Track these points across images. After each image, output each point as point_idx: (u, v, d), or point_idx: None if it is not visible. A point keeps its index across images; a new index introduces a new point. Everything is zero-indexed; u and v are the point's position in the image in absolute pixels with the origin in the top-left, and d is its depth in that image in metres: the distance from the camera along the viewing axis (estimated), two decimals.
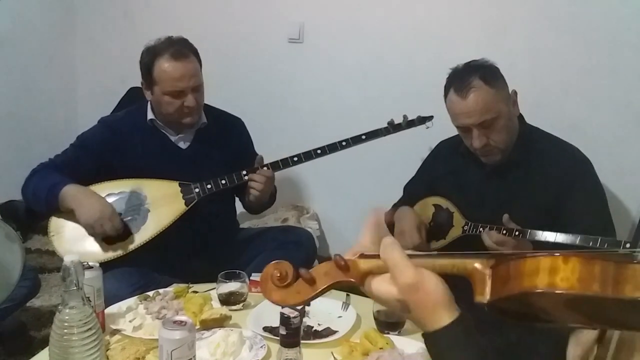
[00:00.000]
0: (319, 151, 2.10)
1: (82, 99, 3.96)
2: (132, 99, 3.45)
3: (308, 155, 2.09)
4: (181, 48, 2.02)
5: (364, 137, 2.16)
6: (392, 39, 2.73)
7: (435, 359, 0.74)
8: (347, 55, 2.88)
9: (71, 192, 1.92)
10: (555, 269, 0.62)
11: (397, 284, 0.73)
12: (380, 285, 0.76)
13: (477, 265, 0.70)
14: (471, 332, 0.71)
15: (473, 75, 1.77)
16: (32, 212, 3.33)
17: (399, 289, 0.73)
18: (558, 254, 0.62)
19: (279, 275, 0.79)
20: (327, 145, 2.11)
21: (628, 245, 1.57)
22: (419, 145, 2.71)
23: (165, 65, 1.98)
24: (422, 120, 2.30)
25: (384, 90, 2.77)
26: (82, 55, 3.92)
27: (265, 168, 2.07)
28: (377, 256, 0.76)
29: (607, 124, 2.28)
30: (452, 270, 0.73)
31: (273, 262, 0.81)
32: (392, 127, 2.22)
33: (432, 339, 0.73)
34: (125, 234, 1.96)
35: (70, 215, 1.95)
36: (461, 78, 1.79)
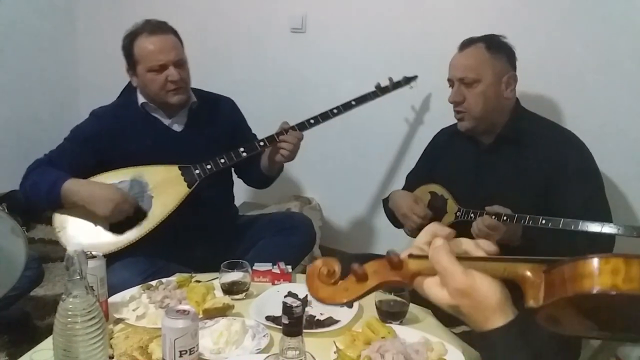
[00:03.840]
0: (312, 121, 2.13)
1: (83, 90, 3.96)
2: (133, 91, 3.46)
3: (302, 126, 2.11)
4: (158, 24, 2.04)
5: (353, 102, 2.22)
6: (395, 29, 2.72)
7: (490, 356, 0.73)
8: (349, 45, 2.87)
9: (74, 188, 1.91)
10: (599, 270, 0.62)
11: (447, 289, 0.71)
12: (431, 289, 0.74)
13: (529, 270, 0.68)
14: (525, 334, 0.70)
15: (480, 40, 1.85)
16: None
17: (449, 293, 0.71)
18: (600, 256, 0.63)
19: (326, 272, 0.76)
20: (320, 115, 2.14)
21: (607, 228, 1.60)
22: (423, 138, 2.71)
23: (144, 42, 2.00)
24: (407, 80, 2.35)
25: (386, 79, 2.76)
26: (83, 48, 3.92)
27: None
28: (427, 257, 0.74)
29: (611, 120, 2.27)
30: (502, 274, 0.71)
31: (321, 258, 0.77)
32: (380, 90, 2.26)
33: (483, 339, 0.71)
34: (133, 220, 1.96)
35: (73, 209, 1.95)
36: (470, 39, 1.88)
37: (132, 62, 2.04)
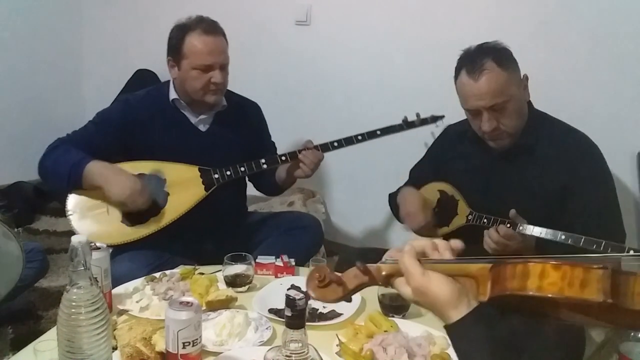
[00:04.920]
0: (335, 144, 2.15)
1: (88, 81, 3.96)
2: (139, 81, 3.46)
3: (325, 147, 2.13)
4: (213, 24, 2.04)
5: (379, 132, 2.23)
6: (399, 21, 2.71)
7: (454, 347, 0.87)
8: (354, 37, 2.86)
9: (97, 169, 1.90)
10: (527, 273, 0.74)
11: (410, 287, 0.88)
12: (400, 286, 0.91)
13: (478, 269, 0.82)
14: (481, 324, 0.83)
15: (485, 57, 1.72)
16: (41, 193, 3.39)
17: (412, 291, 0.88)
18: (532, 261, 0.75)
19: (318, 276, 0.97)
20: (344, 139, 2.16)
21: (632, 252, 1.54)
22: (424, 130, 2.71)
23: (196, 40, 1.99)
24: (434, 119, 2.39)
25: (391, 72, 2.75)
26: (89, 38, 3.92)
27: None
28: (397, 262, 0.91)
29: (614, 113, 2.26)
30: (457, 273, 0.86)
31: (316, 266, 1.00)
32: (406, 124, 2.27)
33: (447, 331, 0.87)
34: (147, 215, 1.96)
35: (90, 193, 1.94)
36: (473, 60, 1.74)
37: (177, 56, 2.03)
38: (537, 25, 2.36)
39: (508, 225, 1.69)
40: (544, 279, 0.72)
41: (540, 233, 1.66)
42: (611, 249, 1.56)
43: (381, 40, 2.78)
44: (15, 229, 1.83)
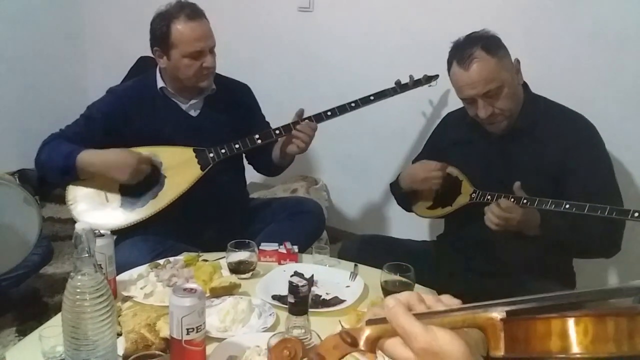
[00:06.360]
0: (328, 113, 2.12)
1: (92, 68, 3.96)
2: (142, 69, 3.45)
3: (318, 117, 2.10)
4: (195, 8, 2.02)
5: (372, 97, 2.19)
6: (402, 7, 2.69)
7: None
8: (357, 23, 2.84)
9: (89, 159, 1.93)
10: (567, 332, 0.60)
11: (412, 350, 0.70)
12: (396, 349, 0.71)
13: (488, 319, 0.67)
14: None
15: (474, 46, 1.77)
16: (45, 181, 3.40)
17: (415, 354, 0.69)
18: (569, 315, 0.60)
19: (288, 354, 0.77)
20: (337, 107, 2.13)
21: (637, 214, 1.57)
22: (428, 118, 2.70)
23: (183, 27, 1.97)
24: (428, 79, 2.31)
25: (394, 57, 2.74)
26: (92, 25, 3.90)
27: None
28: (384, 319, 0.73)
29: (614, 101, 2.25)
30: (462, 325, 0.70)
31: (281, 340, 0.79)
32: (400, 87, 2.24)
33: None
34: (147, 195, 1.99)
35: (87, 182, 1.97)
36: (463, 50, 1.79)
37: (165, 46, 2.01)
38: (538, 10, 2.33)
39: (512, 199, 1.72)
40: (586, 336, 0.59)
41: (544, 204, 1.69)
42: (616, 213, 1.60)
43: (383, 25, 2.76)
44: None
